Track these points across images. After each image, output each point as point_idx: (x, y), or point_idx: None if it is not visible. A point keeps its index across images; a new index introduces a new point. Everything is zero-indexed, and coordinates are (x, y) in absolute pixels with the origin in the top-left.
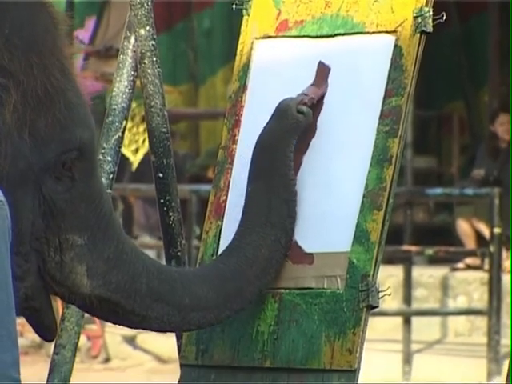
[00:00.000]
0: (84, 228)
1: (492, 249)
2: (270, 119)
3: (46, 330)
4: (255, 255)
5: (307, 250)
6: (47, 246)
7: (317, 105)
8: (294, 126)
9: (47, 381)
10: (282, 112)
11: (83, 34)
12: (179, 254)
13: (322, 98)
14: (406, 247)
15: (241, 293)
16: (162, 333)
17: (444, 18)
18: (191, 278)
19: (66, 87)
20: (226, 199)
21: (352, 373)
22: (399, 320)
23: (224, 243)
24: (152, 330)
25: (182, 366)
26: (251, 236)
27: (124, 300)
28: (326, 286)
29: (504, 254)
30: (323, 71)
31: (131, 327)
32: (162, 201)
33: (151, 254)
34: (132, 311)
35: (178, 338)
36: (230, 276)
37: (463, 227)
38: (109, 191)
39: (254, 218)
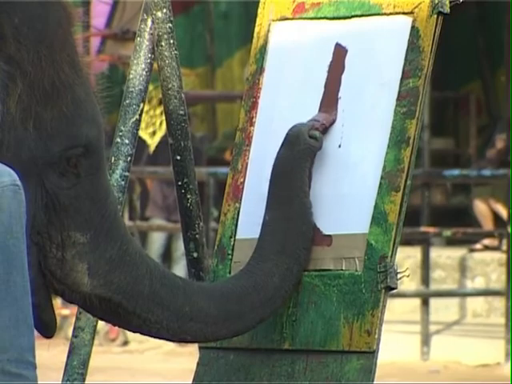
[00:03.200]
0: (87, 226)
1: (510, 229)
2: (282, 145)
3: (45, 326)
4: (265, 282)
5: (325, 231)
6: (49, 242)
7: (334, 86)
8: (307, 152)
9: (66, 363)
10: (294, 138)
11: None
12: (197, 236)
13: (332, 123)
14: (423, 229)
15: (242, 316)
16: (159, 339)
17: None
18: (195, 288)
19: (75, 83)
20: (243, 181)
21: (371, 354)
22: (417, 301)
23: (242, 225)
24: (150, 335)
25: (200, 348)
26: (265, 263)
27: (126, 301)
28: (344, 268)
29: None
30: (340, 53)
31: (131, 330)
32: (179, 183)
33: (163, 236)
34: (133, 313)
35: None
36: (235, 298)
37: (481, 208)
38: (126, 174)
39: (269, 246)
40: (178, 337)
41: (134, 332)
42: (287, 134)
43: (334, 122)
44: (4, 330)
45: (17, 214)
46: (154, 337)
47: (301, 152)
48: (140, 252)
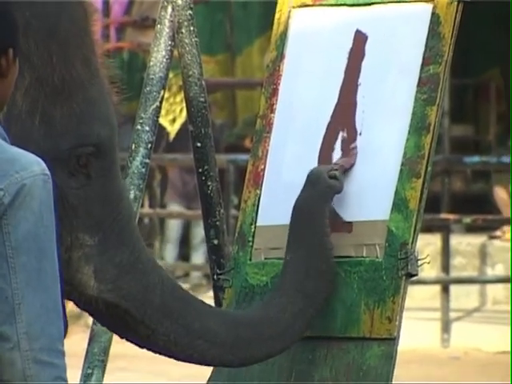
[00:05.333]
0: (96, 229)
1: None
2: (305, 186)
3: None
4: (278, 317)
5: (346, 218)
6: (58, 243)
7: (354, 73)
8: (327, 191)
9: (87, 351)
10: (315, 179)
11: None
12: (218, 223)
13: (351, 166)
14: (443, 215)
15: (250, 345)
16: (165, 355)
17: None
18: (207, 308)
19: (88, 82)
20: (264, 168)
21: (392, 341)
22: (437, 288)
23: (263, 212)
24: (156, 350)
25: None
26: (281, 299)
27: (134, 309)
28: (364, 255)
29: None
30: (360, 39)
31: (138, 343)
32: (200, 170)
33: (179, 223)
34: (141, 322)
35: (218, 302)
36: (245, 325)
37: (501, 195)
38: (147, 161)
39: (288, 284)
40: (185, 353)
41: (140, 346)
42: (308, 175)
43: (353, 165)
44: (35, 319)
45: (47, 203)
46: (160, 351)
47: (321, 192)
48: (153, 261)
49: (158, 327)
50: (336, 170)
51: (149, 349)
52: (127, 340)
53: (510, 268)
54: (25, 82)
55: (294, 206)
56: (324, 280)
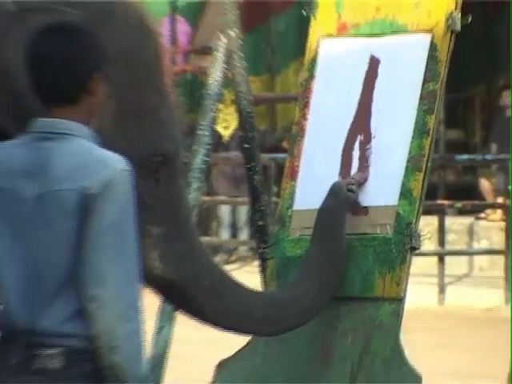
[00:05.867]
0: (161, 222)
1: (510, 202)
2: (328, 195)
3: None
4: (301, 300)
5: (363, 204)
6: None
7: (369, 89)
8: (345, 202)
9: (159, 308)
10: (336, 191)
11: (182, 36)
12: (262, 208)
13: (365, 181)
14: (439, 201)
15: (278, 320)
16: (210, 325)
17: (470, 20)
18: (246, 290)
19: (159, 106)
20: (298, 164)
21: (399, 301)
22: (435, 259)
23: (297, 199)
24: (203, 321)
25: None
26: (303, 284)
27: (189, 288)
28: (378, 232)
29: None
30: (374, 63)
31: (189, 314)
32: (248, 166)
33: (229, 209)
34: (193, 298)
35: (263, 270)
36: (275, 305)
37: (485, 185)
38: (206, 159)
39: (308, 273)
40: (227, 325)
41: (191, 317)
42: (331, 187)
43: (366, 180)
44: (120, 285)
45: (128, 194)
46: (207, 322)
47: (341, 201)
48: (206, 254)
49: (206, 303)
50: (353, 184)
51: (198, 319)
52: (181, 311)
53: (510, 242)
54: (111, 102)
55: (319, 210)
56: (337, 272)
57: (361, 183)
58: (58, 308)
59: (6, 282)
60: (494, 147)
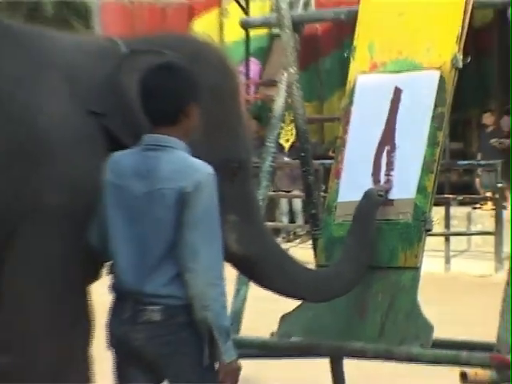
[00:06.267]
0: (237, 212)
1: (498, 196)
2: (363, 198)
3: None
4: (342, 276)
5: (390, 197)
6: None
7: (394, 113)
8: (375, 204)
9: (238, 275)
10: (369, 195)
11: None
12: (314, 200)
13: (389, 190)
14: (446, 195)
15: (324, 292)
16: (276, 293)
17: (468, 60)
18: (300, 267)
19: (236, 125)
20: (341, 168)
21: (417, 269)
22: (442, 238)
23: (340, 193)
24: (271, 290)
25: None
26: (343, 266)
27: (259, 264)
28: (401, 218)
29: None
30: (398, 92)
31: (260, 285)
32: (303, 169)
33: (287, 201)
34: (261, 271)
35: (314, 247)
36: (324, 280)
37: (479, 184)
38: (272, 164)
39: (345, 257)
40: (287, 294)
41: (258, 284)
42: (365, 192)
43: (391, 188)
44: (209, 259)
45: (212, 192)
46: (273, 291)
47: (373, 203)
48: (272, 238)
49: (272, 277)
50: (381, 191)
51: (263, 286)
52: (253, 282)
53: (496, 226)
54: (201, 122)
55: (356, 208)
56: (367, 258)
57: (387, 191)
58: (158, 276)
59: (119, 255)
60: (479, 155)
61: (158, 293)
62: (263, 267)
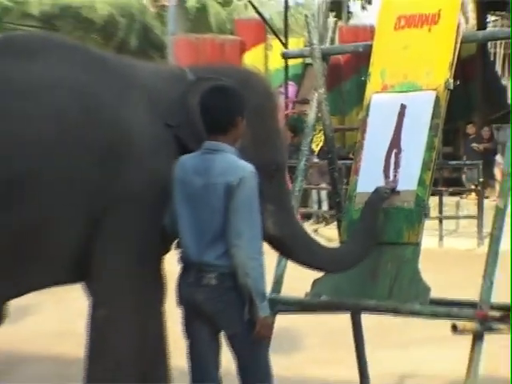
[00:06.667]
0: (273, 202)
1: (479, 188)
2: (373, 193)
3: None
4: (355, 252)
5: (397, 189)
6: None
7: (400, 124)
8: (382, 198)
9: None
10: (378, 190)
11: (291, 93)
12: (338, 192)
13: (395, 187)
14: (439, 188)
15: (340, 264)
16: (305, 267)
17: (458, 83)
18: (320, 246)
19: (275, 136)
20: (359, 166)
21: (417, 244)
22: (437, 221)
23: (359, 185)
24: (299, 263)
25: None
26: (352, 245)
27: (289, 243)
28: (405, 205)
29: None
30: (403, 108)
31: (290, 259)
32: (330, 168)
33: (316, 192)
34: (291, 249)
35: (338, 227)
36: (339, 255)
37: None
38: (306, 163)
39: (354, 238)
40: (312, 266)
41: (290, 259)
42: (375, 189)
43: (396, 186)
44: (251, 237)
45: (254, 186)
46: (300, 263)
47: (380, 197)
48: (300, 224)
49: (298, 252)
50: (388, 189)
51: (294, 261)
52: (284, 256)
53: (479, 211)
54: (248, 132)
55: (366, 202)
56: (373, 239)
57: (393, 188)
58: (213, 250)
59: (185, 235)
60: (464, 157)
61: (213, 263)
62: (292, 245)
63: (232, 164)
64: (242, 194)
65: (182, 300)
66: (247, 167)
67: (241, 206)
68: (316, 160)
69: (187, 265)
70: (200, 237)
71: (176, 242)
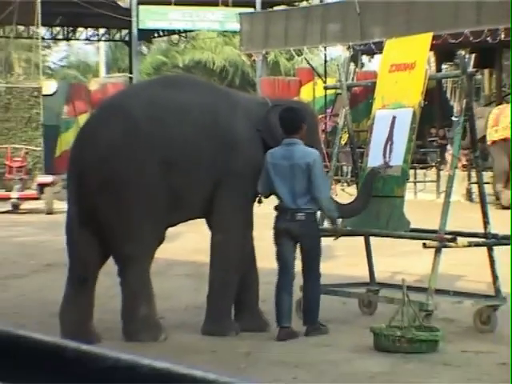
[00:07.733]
0: (317, 178)
1: (438, 165)
2: (368, 172)
3: None
4: (359, 205)
5: (389, 165)
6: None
7: (392, 130)
8: (375, 174)
9: None
10: (373, 169)
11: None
12: (357, 167)
13: (386, 167)
14: (414, 164)
15: (349, 213)
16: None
17: (426, 103)
18: (343, 203)
19: (314, 140)
20: (368, 151)
21: (403, 197)
22: (413, 184)
23: (368, 164)
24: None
25: None
26: (358, 200)
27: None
28: (395, 174)
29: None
30: (394, 118)
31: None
32: (352, 153)
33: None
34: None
35: (357, 187)
36: (350, 208)
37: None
38: (338, 150)
39: (358, 198)
40: (340, 215)
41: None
42: (370, 169)
43: (386, 167)
44: (327, 190)
45: (322, 166)
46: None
47: (374, 173)
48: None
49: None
50: (379, 169)
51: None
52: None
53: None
54: (306, 136)
55: (366, 176)
56: (368, 199)
57: (383, 168)
58: (302, 199)
59: (282, 192)
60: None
61: (302, 207)
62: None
63: (306, 151)
64: (317, 168)
65: (280, 228)
66: (315, 152)
67: (318, 175)
68: (343, 150)
69: (284, 209)
70: (292, 193)
71: (258, 198)
